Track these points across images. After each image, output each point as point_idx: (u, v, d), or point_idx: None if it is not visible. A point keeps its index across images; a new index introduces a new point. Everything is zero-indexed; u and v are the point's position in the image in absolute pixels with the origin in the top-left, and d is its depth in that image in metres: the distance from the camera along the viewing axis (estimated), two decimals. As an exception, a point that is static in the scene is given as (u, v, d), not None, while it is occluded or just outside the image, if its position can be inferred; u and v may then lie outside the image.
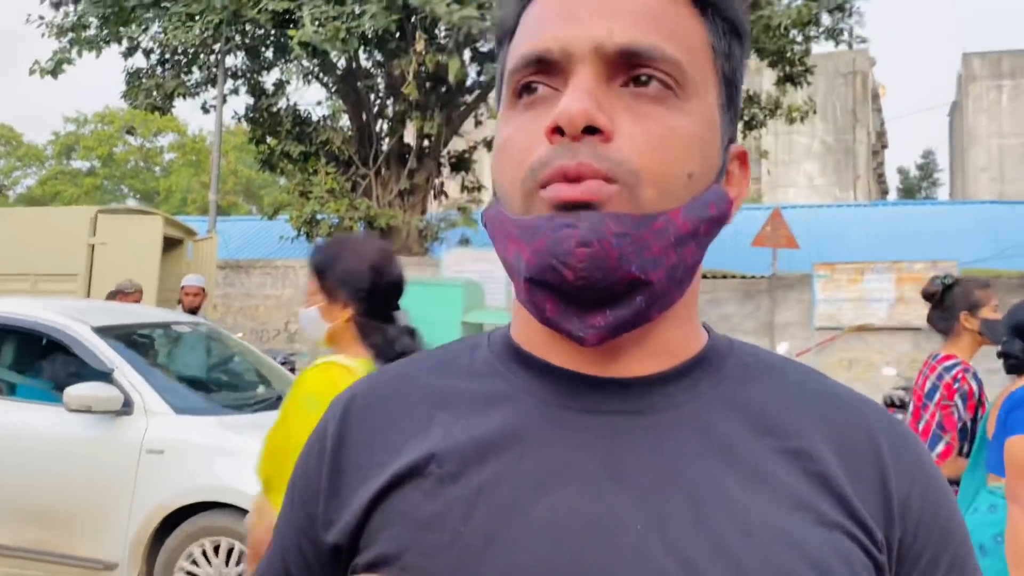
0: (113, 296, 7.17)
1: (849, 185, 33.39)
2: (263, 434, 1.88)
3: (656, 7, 0.59)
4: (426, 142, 13.43)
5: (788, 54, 12.34)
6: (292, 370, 10.67)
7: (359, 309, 1.94)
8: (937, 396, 3.01)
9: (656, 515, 0.56)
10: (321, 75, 13.20)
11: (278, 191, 30.89)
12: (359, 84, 13.21)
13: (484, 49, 12.71)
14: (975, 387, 2.99)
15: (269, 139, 13.74)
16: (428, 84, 12.65)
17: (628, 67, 0.58)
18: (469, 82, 13.19)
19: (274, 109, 13.45)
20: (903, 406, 9.09)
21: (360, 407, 0.67)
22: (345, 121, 13.92)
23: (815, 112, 13.43)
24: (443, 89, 12.98)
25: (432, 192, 13.91)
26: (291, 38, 10.95)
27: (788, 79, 12.57)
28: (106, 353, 4.23)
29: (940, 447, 2.93)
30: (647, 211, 0.56)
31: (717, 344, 0.66)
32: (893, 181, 53.54)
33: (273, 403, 5.18)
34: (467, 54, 12.85)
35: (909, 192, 49.91)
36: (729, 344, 0.67)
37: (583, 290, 0.56)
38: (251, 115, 13.78)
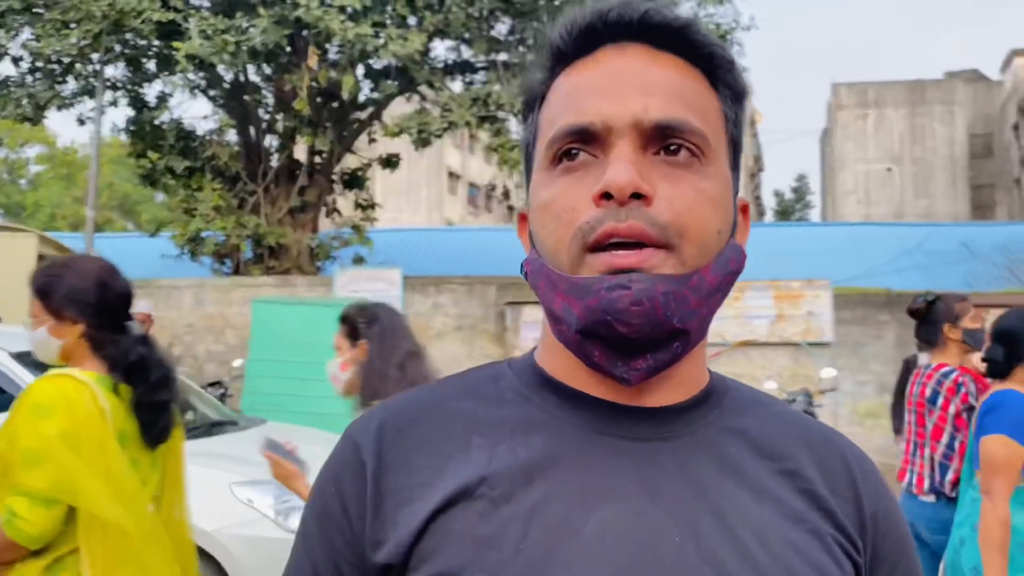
0: None
1: (729, 206, 34.91)
2: (200, 461, 1.84)
3: (681, 84, 0.68)
4: (317, 159, 13.21)
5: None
6: (225, 395, 10.22)
7: (89, 324, 2.03)
8: (940, 400, 3.32)
9: (689, 528, 0.64)
10: (207, 88, 12.80)
11: (157, 207, 29.71)
12: (247, 98, 12.89)
13: (378, 66, 12.64)
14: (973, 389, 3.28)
15: (151, 153, 13.20)
16: (320, 100, 12.47)
17: (661, 138, 0.66)
18: (362, 99, 13.08)
19: (157, 122, 12.93)
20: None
21: (392, 432, 0.70)
22: (232, 136, 13.53)
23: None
24: (335, 105, 12.82)
25: (324, 210, 13.68)
26: (176, 50, 10.58)
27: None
28: (24, 379, 3.99)
29: (950, 474, 3.21)
30: (688, 267, 0.65)
31: (716, 379, 0.76)
32: (770, 203, 56.28)
33: (206, 429, 4.95)
34: (360, 70, 12.75)
35: (784, 214, 52.53)
36: (723, 380, 0.77)
37: (632, 341, 0.64)
38: (132, 128, 13.21)
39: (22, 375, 4.00)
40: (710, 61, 0.70)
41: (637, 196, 0.64)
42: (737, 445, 0.70)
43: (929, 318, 3.50)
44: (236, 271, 13.02)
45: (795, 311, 10.71)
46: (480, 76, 12.99)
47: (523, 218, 0.78)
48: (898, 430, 7.40)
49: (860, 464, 0.74)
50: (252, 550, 3.86)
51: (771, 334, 10.73)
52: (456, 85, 13.36)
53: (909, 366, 7.23)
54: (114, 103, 13.55)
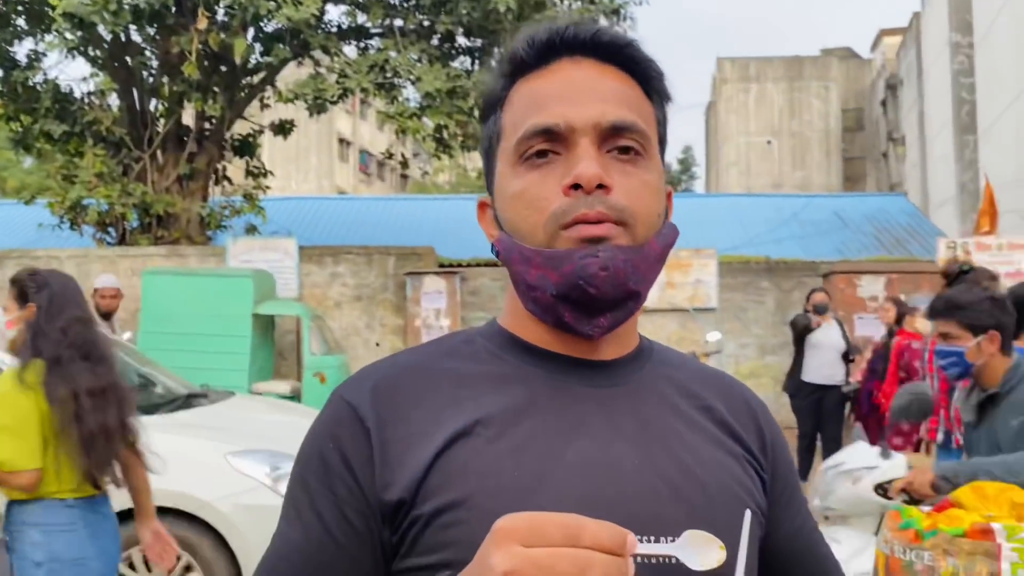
0: (95, 294, 6.53)
1: (620, 176, 35.67)
2: (192, 433, 1.91)
3: (626, 92, 0.84)
4: (207, 124, 12.77)
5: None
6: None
7: None
8: None
9: (644, 453, 0.82)
10: (86, 49, 12.13)
11: (24, 173, 27.89)
12: (130, 61, 12.30)
13: (271, 30, 12.29)
14: None
15: (23, 116, 12.43)
16: (209, 64, 12.04)
17: (614, 138, 0.82)
18: (254, 63, 12.71)
19: (29, 83, 12.17)
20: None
21: (385, 391, 0.82)
22: (115, 100, 12.89)
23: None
24: (225, 69, 12.41)
25: (214, 177, 13.26)
26: (52, 7, 10.00)
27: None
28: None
29: None
30: (639, 243, 0.81)
31: (643, 339, 0.94)
32: (657, 173, 57.69)
33: (184, 402, 4.85)
34: (252, 34, 12.38)
35: (671, 184, 53.91)
36: (647, 339, 0.94)
37: (598, 301, 0.79)
38: (1, 90, 12.39)
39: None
40: (646, 73, 0.86)
41: (600, 186, 0.79)
42: (670, 389, 0.88)
43: (957, 284, 3.92)
44: (122, 241, 12.51)
45: (684, 279, 11.21)
46: (376, 42, 12.82)
47: (483, 205, 0.91)
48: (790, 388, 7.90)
49: (757, 404, 0.95)
50: (252, 518, 3.92)
51: (661, 301, 11.20)
52: (351, 51, 13.15)
53: (796, 326, 7.78)
54: (-21, 61, 12.70)
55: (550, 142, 0.81)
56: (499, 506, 0.73)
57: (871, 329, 9.03)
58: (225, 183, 13.62)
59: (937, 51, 22.81)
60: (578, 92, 0.82)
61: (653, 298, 11.29)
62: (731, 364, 11.30)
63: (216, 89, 12.16)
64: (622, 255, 0.78)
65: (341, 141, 35.78)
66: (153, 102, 12.77)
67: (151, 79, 12.75)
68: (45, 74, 12.36)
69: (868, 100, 35.29)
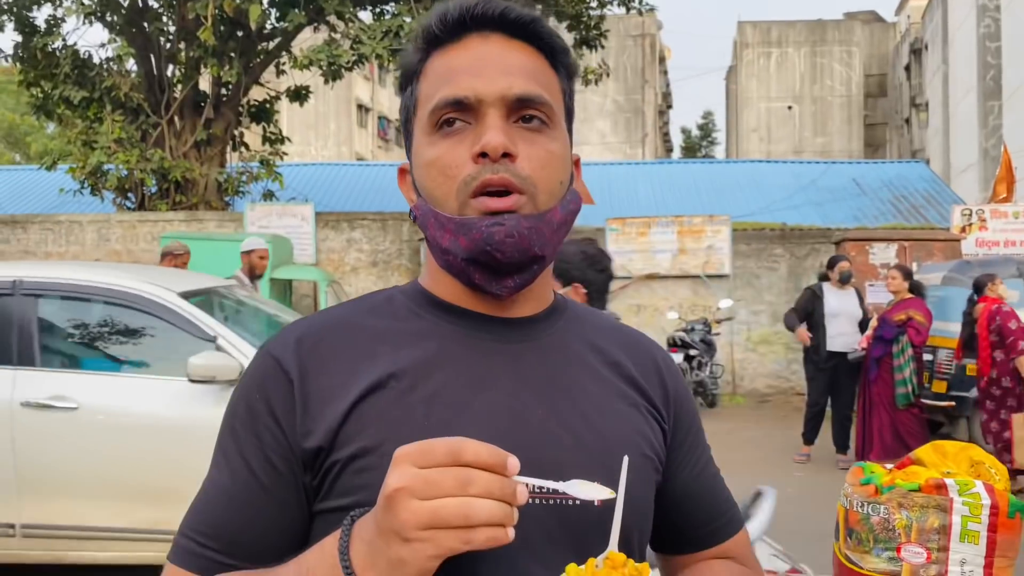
0: (163, 258, 6.61)
1: (639, 143, 35.44)
2: None
3: (532, 66, 0.89)
4: (223, 90, 12.84)
5: (584, 18, 12.93)
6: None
7: None
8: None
9: (550, 405, 0.88)
10: (104, 14, 12.19)
11: (47, 139, 28.12)
12: (148, 26, 12.35)
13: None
14: None
15: (44, 82, 12.56)
16: (225, 29, 12.06)
17: (520, 109, 0.87)
18: (269, 28, 12.73)
19: (49, 49, 12.27)
20: (684, 345, 10.08)
21: (308, 345, 0.88)
22: (132, 65, 12.97)
23: (609, 75, 14.19)
24: (241, 35, 12.44)
25: (231, 143, 13.36)
26: (69, -28, 10.05)
27: (584, 43, 13.17)
28: (205, 320, 4.02)
29: None
30: (541, 210, 0.87)
31: (558, 298, 1.00)
32: (677, 140, 57.31)
33: None
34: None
35: (691, 150, 53.59)
36: (563, 299, 1.01)
37: (504, 264, 0.86)
38: (21, 55, 12.50)
39: (203, 318, 4.07)
40: (551, 48, 0.91)
41: (506, 155, 0.84)
42: (578, 345, 0.95)
43: None
44: (141, 206, 12.67)
45: (697, 245, 11.22)
46: (391, 7, 12.78)
47: (403, 172, 0.96)
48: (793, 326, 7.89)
49: (664, 359, 1.02)
50: None
51: (673, 267, 11.23)
52: (366, 16, 13.13)
53: (815, 293, 7.78)
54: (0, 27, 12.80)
55: (461, 112, 0.86)
56: None
57: (882, 297, 9.03)
58: (242, 149, 13.72)
59: (963, 14, 22.36)
60: (486, 66, 0.86)
61: (665, 264, 11.33)
62: (743, 331, 11.34)
63: (232, 55, 12.21)
64: (526, 223, 0.84)
65: (360, 107, 35.72)
66: (170, 68, 12.84)
67: (168, 45, 12.81)
68: (64, 40, 12.45)
69: (891, 65, 34.70)
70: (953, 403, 7.63)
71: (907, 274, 7.16)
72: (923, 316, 6.89)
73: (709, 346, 10.19)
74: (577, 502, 0.82)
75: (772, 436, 8.96)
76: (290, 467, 0.85)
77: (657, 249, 11.27)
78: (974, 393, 7.14)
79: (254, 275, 6.79)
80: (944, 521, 1.61)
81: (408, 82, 0.93)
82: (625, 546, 0.79)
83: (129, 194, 12.78)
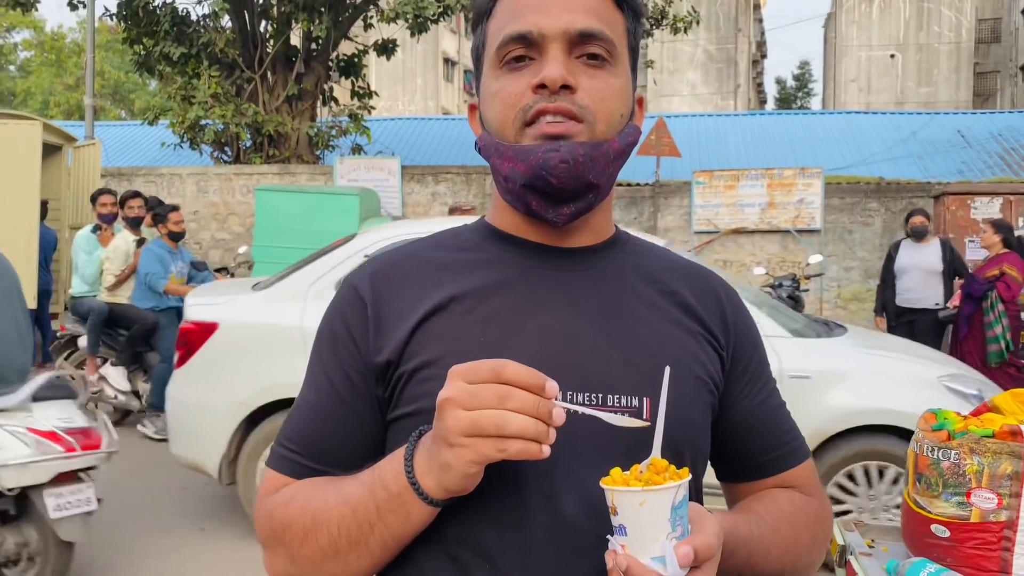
0: (452, 212, 7.15)
1: (730, 94, 34.40)
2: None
3: (597, 4, 0.93)
4: (314, 45, 13.07)
5: (674, -36, 12.57)
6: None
7: None
8: None
9: (601, 327, 0.93)
10: (200, -29, 12.53)
11: (149, 95, 29.21)
12: (241, -18, 12.63)
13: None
14: None
15: (145, 40, 13.03)
16: (314, -16, 12.24)
17: (582, 44, 0.90)
18: (357, -17, 12.83)
19: (150, 7, 12.71)
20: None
21: (382, 276, 0.97)
22: (227, 21, 13.31)
23: (699, 23, 13.80)
24: (330, -11, 12.59)
25: (321, 98, 13.62)
26: (167, -69, 10.32)
27: (674, -11, 12.83)
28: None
29: None
30: (598, 140, 0.90)
31: (620, 231, 1.05)
32: (771, 91, 55.38)
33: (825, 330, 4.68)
34: (355, -46, 12.47)
35: (786, 102, 51.77)
36: (626, 232, 1.06)
37: (559, 191, 0.90)
38: (124, 13, 12.99)
39: None
40: None
41: (565, 87, 0.88)
42: (634, 275, 0.99)
43: None
44: (236, 159, 13.11)
45: (787, 199, 10.91)
46: (477, -41, 12.69)
47: (473, 108, 1.01)
48: (878, 311, 7.78)
49: (725, 290, 1.04)
50: None
51: (761, 221, 10.97)
52: (452, -32, 13.08)
53: (889, 252, 7.56)
54: (104, -13, 13.29)
55: (525, 47, 0.90)
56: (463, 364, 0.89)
57: (982, 253, 8.64)
58: (332, 104, 13.98)
59: (1089, -49, 20.71)
60: (551, 3, 0.90)
61: (753, 218, 11.07)
62: (833, 288, 11.03)
63: (322, 9, 12.38)
64: (581, 149, 0.88)
65: (446, 61, 35.77)
66: (263, 23, 13.12)
67: (261, 1, 13.09)
68: (163, -3, 12.87)
69: (1007, 8, 32.48)
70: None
71: (1000, 228, 6.86)
72: (1017, 271, 6.60)
73: (797, 302, 9.95)
74: (626, 415, 0.87)
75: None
76: (365, 382, 0.94)
77: (745, 203, 11.01)
78: None
79: None
80: (1017, 468, 1.59)
81: (479, 22, 0.98)
82: (676, 461, 0.82)
83: (225, 148, 13.22)
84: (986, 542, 1.58)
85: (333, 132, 13.26)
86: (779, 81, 55.89)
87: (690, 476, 0.79)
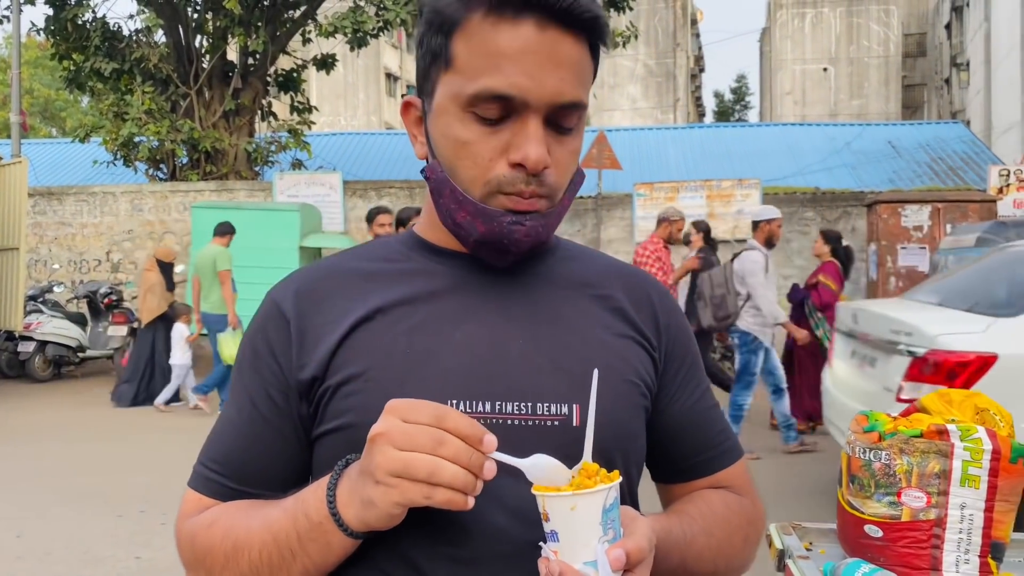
0: (659, 223, 6.84)
1: (670, 108, 34.98)
2: None
3: (579, 61, 0.87)
4: (251, 60, 12.90)
5: (612, -21, 12.72)
6: (119, 301, 10.28)
7: None
8: None
9: (531, 335, 0.92)
10: (131, -15, 12.25)
11: (81, 113, 28.49)
12: (175, -3, 12.41)
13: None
14: None
15: (75, 55, 12.70)
16: (251, -1, 12.09)
17: (560, 114, 0.87)
18: (295, -3, 12.72)
19: (79, 21, 12.39)
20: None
21: (305, 291, 0.94)
22: (161, 36, 13.06)
23: (637, 37, 13.99)
24: (267, 3, 12.45)
25: (260, 113, 13.43)
26: (96, -56, 10.09)
27: (612, 4, 12.97)
28: None
29: None
30: (556, 206, 0.91)
31: (551, 240, 1.02)
32: (710, 104, 56.46)
33: None
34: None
35: (724, 115, 52.82)
36: (557, 238, 1.04)
37: (515, 253, 0.90)
38: (52, 28, 12.64)
39: None
40: (600, 34, 0.89)
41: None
42: (566, 281, 0.98)
43: None
44: (173, 176, 12.83)
45: (726, 209, 11.11)
46: (416, -27, 12.71)
47: (411, 105, 0.95)
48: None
49: (658, 292, 1.04)
50: None
51: (702, 232, 11.12)
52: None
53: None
54: (31, 0, 12.94)
55: (502, 106, 0.85)
56: (391, 376, 0.87)
57: (915, 259, 8.89)
58: (271, 119, 13.80)
59: (1005, -31, 21.65)
60: (538, 65, 0.83)
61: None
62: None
63: (258, 24, 12.23)
64: (543, 220, 0.88)
65: (388, 76, 35.66)
66: (198, 38, 12.90)
67: (195, 15, 12.87)
68: (94, 12, 12.56)
69: (931, 24, 33.76)
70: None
71: (829, 238, 7.29)
72: (832, 280, 7.02)
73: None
74: (556, 423, 0.87)
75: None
76: (288, 401, 0.91)
77: (685, 214, 11.15)
78: None
79: (771, 244, 6.68)
80: (945, 466, 1.61)
81: (441, 27, 0.88)
82: (607, 465, 0.81)
83: (161, 165, 12.94)
84: (917, 540, 1.60)
85: (272, 148, 13.09)
86: (717, 94, 56.97)
87: (620, 479, 0.78)
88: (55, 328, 10.06)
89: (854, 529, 1.69)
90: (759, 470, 5.72)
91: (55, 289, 10.88)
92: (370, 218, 6.86)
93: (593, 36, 0.88)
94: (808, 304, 7.06)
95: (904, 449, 1.60)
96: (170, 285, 8.92)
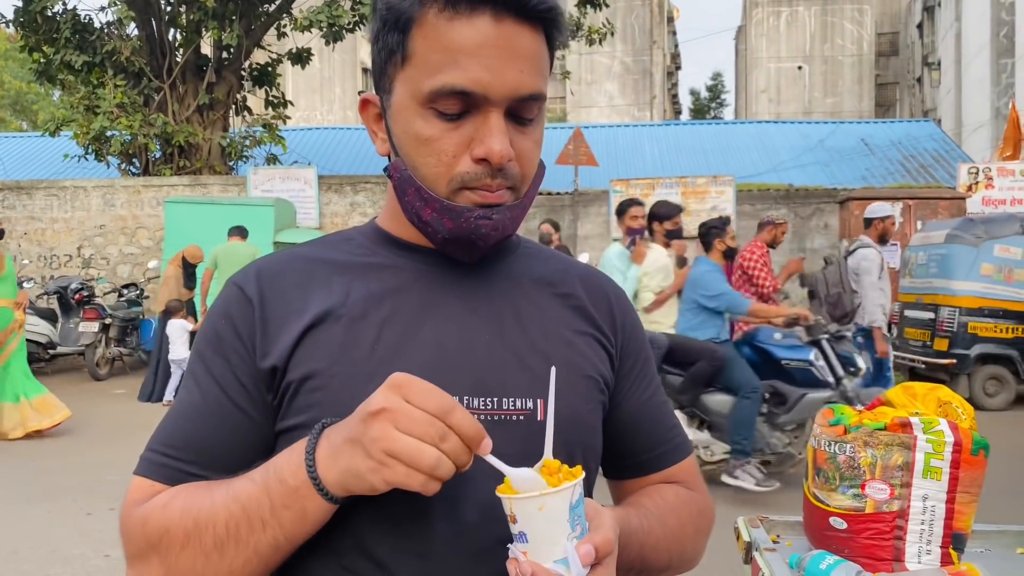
0: (762, 227, 6.58)
1: (646, 105, 35.10)
2: None
3: (536, 52, 0.87)
4: (225, 54, 12.77)
5: (588, -24, 12.74)
6: (90, 297, 10.14)
7: None
8: None
9: (496, 331, 0.92)
10: (102, -23, 12.10)
11: (53, 106, 28.06)
12: (147, -11, 12.26)
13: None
14: None
15: (45, 47, 12.51)
16: (225, -8, 11.97)
17: (521, 105, 0.86)
18: (269, -9, 12.61)
19: (49, 13, 12.20)
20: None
21: (268, 275, 0.93)
22: (133, 29, 12.89)
23: (613, 34, 14.02)
24: (241, -3, 12.34)
25: (234, 107, 13.31)
26: (66, -65, 9.95)
27: (588, 1, 13.00)
28: None
29: None
30: (521, 198, 0.91)
31: (514, 236, 1.04)
32: (686, 102, 56.79)
33: None
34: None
35: (700, 112, 53.07)
36: (517, 236, 1.04)
37: (483, 248, 0.90)
38: (21, 20, 12.44)
39: None
40: (557, 24, 0.88)
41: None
42: (527, 278, 0.99)
43: None
44: (145, 171, 12.68)
45: (700, 206, 11.17)
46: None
47: (369, 103, 0.94)
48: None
49: (615, 293, 1.06)
50: None
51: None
52: (367, -23, 12.98)
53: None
54: (0, -8, 12.72)
55: (463, 101, 0.84)
56: (358, 372, 0.86)
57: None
58: (245, 113, 13.67)
59: (976, -30, 21.94)
60: (496, 58, 0.83)
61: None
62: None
63: (233, 18, 12.12)
64: (509, 213, 0.89)
65: (365, 71, 35.47)
66: (171, 31, 12.75)
67: (168, 8, 12.72)
68: (64, 3, 12.37)
69: (903, 23, 34.14)
70: (954, 360, 7.64)
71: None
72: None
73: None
74: (520, 418, 0.88)
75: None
76: (255, 385, 0.89)
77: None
78: (975, 351, 7.13)
79: (884, 240, 6.53)
80: (907, 458, 1.63)
81: (396, 23, 0.87)
82: (568, 461, 0.81)
83: (133, 159, 12.79)
84: (880, 532, 1.62)
85: (247, 142, 12.98)
86: (693, 92, 57.27)
87: (584, 474, 0.79)
88: (25, 324, 9.91)
89: (819, 521, 1.71)
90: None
91: (25, 285, 10.71)
92: (622, 210, 6.37)
93: (548, 26, 0.88)
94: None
95: (868, 442, 1.63)
96: (188, 283, 9.01)
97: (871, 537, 1.55)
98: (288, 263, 0.95)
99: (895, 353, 8.18)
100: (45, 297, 10.89)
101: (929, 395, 1.84)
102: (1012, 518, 1.91)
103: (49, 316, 10.32)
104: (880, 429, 1.64)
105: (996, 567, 1.55)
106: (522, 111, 0.87)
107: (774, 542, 1.78)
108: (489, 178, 0.85)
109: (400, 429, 0.72)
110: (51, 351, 10.21)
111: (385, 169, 0.94)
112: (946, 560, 1.50)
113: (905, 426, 1.61)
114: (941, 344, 7.74)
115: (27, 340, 9.96)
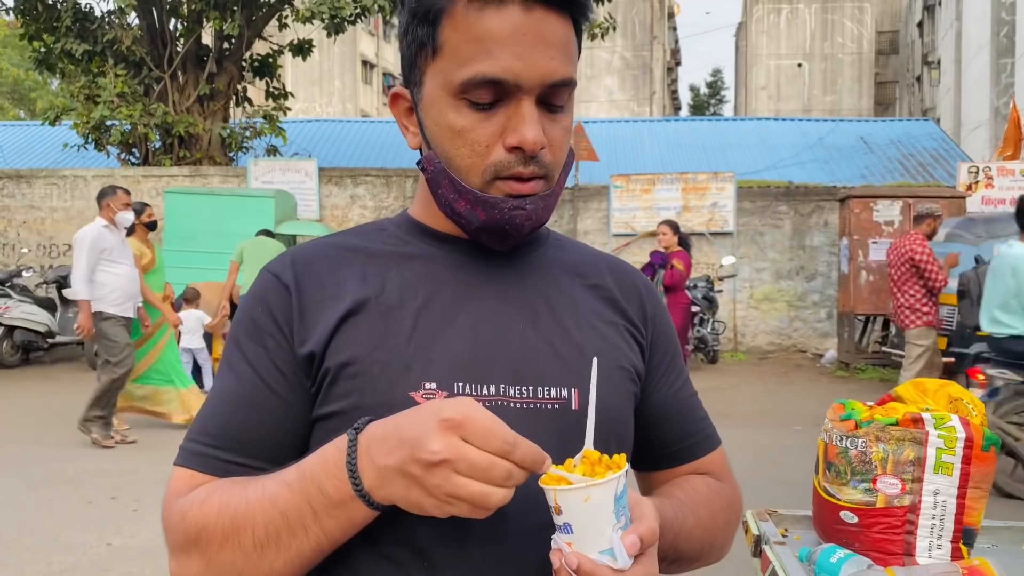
0: (921, 219, 6.69)
1: (646, 101, 35.07)
2: None
3: (567, 42, 0.88)
4: (226, 44, 12.74)
5: (590, -30, 12.70)
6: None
7: None
8: None
9: (529, 320, 0.94)
10: (104, -34, 12.06)
11: (52, 95, 27.94)
12: (148, -22, 12.22)
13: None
14: None
15: (45, 36, 12.46)
16: (226, -18, 11.93)
17: (552, 92, 0.88)
18: (271, -18, 12.58)
19: (50, 1, 12.15)
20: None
21: (303, 264, 0.94)
22: (134, 18, 12.85)
23: (615, 29, 14.01)
24: (243, -12, 12.30)
25: (234, 98, 13.28)
26: (68, -77, 9.91)
27: (590, -5, 12.97)
28: None
29: None
30: (553, 187, 0.92)
31: (543, 228, 1.03)
32: (685, 98, 56.70)
33: None
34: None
35: (699, 108, 53.03)
36: (547, 229, 1.06)
37: (516, 238, 0.92)
38: (21, 7, 12.39)
39: None
40: (577, 4, 0.89)
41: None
42: (558, 269, 1.00)
43: None
44: (145, 161, 12.66)
45: (700, 202, 11.18)
46: (394, -40, 12.61)
47: (399, 97, 0.95)
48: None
49: (644, 284, 1.07)
50: None
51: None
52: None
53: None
54: (0, -21, 12.68)
55: (495, 90, 0.85)
56: (395, 360, 0.87)
57: (884, 253, 9.02)
58: (246, 104, 13.64)
59: (977, -31, 21.93)
60: (528, 45, 0.84)
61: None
62: (746, 288, 11.34)
63: (234, 8, 12.08)
64: (542, 203, 0.90)
65: (364, 63, 35.38)
66: (172, 21, 12.72)
67: (169, -3, 12.69)
68: (64, -8, 12.34)
69: (903, 22, 34.13)
70: (952, 359, 7.65)
71: (676, 229, 8.28)
72: (684, 265, 8.10)
73: (711, 303, 10.21)
74: (556, 407, 0.89)
75: (772, 392, 9.02)
76: (294, 371, 0.89)
77: (661, 206, 11.22)
78: (974, 349, 7.14)
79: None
80: (919, 453, 1.64)
81: (426, 15, 0.88)
82: (604, 451, 0.81)
83: (133, 149, 12.76)
84: (891, 526, 1.64)
85: (247, 133, 12.95)
86: (693, 88, 57.23)
87: (627, 465, 0.79)
88: (24, 313, 9.91)
89: (830, 515, 1.73)
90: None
91: (24, 274, 10.71)
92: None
93: (576, 12, 0.89)
94: (659, 280, 8.04)
95: (880, 437, 1.64)
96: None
97: (882, 531, 1.57)
98: (322, 251, 0.96)
99: (893, 350, 8.21)
100: (44, 286, 10.87)
101: (940, 391, 1.85)
102: (1012, 516, 1.93)
103: (48, 305, 10.31)
104: (892, 424, 1.65)
105: (1003, 563, 1.57)
106: (553, 98, 0.87)
107: (783, 535, 1.79)
108: (522, 166, 0.86)
109: (466, 476, 0.72)
110: (50, 340, 10.21)
111: (418, 162, 0.95)
112: (956, 555, 1.51)
113: (917, 422, 1.62)
114: (940, 343, 7.75)
115: (26, 329, 9.98)
